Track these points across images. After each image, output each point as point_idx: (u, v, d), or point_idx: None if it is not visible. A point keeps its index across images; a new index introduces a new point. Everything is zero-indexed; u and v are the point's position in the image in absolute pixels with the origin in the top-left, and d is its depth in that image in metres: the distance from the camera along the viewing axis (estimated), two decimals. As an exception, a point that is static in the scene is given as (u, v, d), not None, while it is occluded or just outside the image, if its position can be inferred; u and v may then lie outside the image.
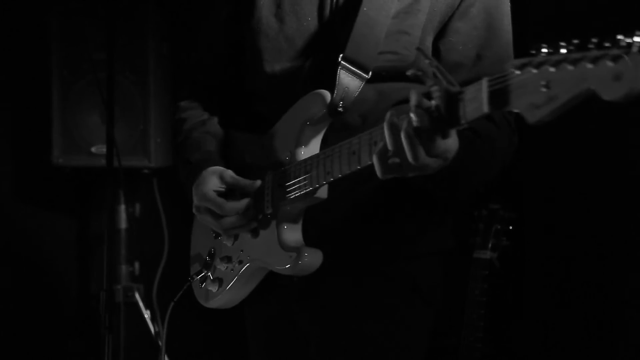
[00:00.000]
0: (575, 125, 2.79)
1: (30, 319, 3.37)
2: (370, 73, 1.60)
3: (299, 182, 1.58)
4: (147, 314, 3.17)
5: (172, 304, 1.83)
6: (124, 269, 3.23)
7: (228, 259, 1.72)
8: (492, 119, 1.58)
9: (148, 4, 3.12)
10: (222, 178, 1.67)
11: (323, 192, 1.58)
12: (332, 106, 1.59)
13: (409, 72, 1.36)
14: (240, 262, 1.70)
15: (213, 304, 1.77)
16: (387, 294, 1.67)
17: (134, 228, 3.30)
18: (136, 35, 3.09)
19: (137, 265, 3.28)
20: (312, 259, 1.58)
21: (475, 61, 1.63)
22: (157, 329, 3.20)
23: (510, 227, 2.66)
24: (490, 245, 2.64)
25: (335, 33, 1.65)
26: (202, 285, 1.77)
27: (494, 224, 2.65)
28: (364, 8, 1.61)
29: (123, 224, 3.21)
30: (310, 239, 1.63)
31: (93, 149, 3.09)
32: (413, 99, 1.30)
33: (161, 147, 3.13)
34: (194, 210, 1.70)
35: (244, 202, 1.64)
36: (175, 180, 1.84)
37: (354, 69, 1.60)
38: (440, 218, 1.74)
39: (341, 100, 1.60)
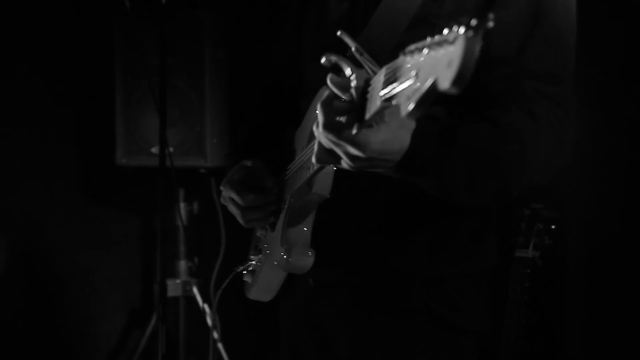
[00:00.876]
0: (620, 121, 2.77)
1: (97, 309, 3.53)
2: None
3: (295, 177, 1.57)
4: (204, 308, 3.29)
5: (219, 291, 1.87)
6: (183, 264, 3.36)
7: (259, 252, 1.73)
8: (528, 109, 1.41)
9: (205, 13, 3.25)
10: (248, 170, 1.66)
11: (322, 190, 1.52)
12: None
13: (323, 60, 1.26)
14: (264, 255, 1.71)
15: (250, 295, 1.78)
16: (405, 327, 1.56)
17: (193, 225, 3.43)
18: (193, 42, 3.21)
19: (195, 260, 3.41)
20: (301, 259, 1.54)
21: (518, 53, 1.44)
22: (214, 322, 3.32)
23: (553, 227, 2.65)
24: (532, 244, 2.64)
25: (359, 23, 1.56)
26: (244, 276, 1.80)
27: (536, 223, 2.65)
28: None
29: (182, 221, 3.33)
30: (323, 244, 1.56)
31: (153, 150, 3.21)
32: (328, 80, 1.20)
33: (217, 148, 3.25)
34: (221, 201, 1.69)
35: (260, 195, 1.62)
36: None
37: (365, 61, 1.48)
38: (476, 233, 1.58)
39: None
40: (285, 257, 1.54)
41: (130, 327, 3.56)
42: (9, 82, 3.38)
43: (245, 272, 1.78)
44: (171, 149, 3.12)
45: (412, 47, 1.04)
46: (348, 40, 1.23)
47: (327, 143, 1.23)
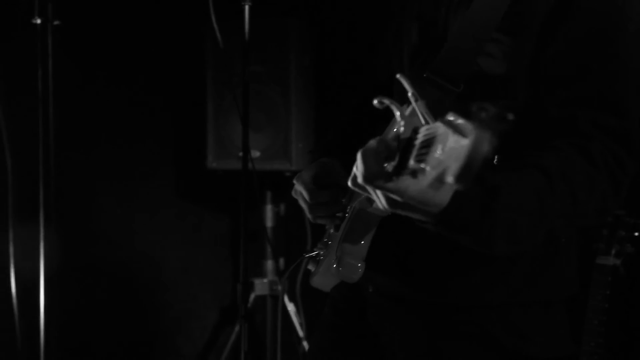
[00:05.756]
0: None
1: (189, 307, 3.68)
2: (462, 87, 1.39)
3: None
4: (290, 306, 3.37)
5: (287, 272, 1.90)
6: (270, 264, 3.44)
7: (325, 245, 1.74)
8: (584, 147, 1.30)
9: (290, 20, 3.33)
10: (323, 167, 1.64)
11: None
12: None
13: (375, 102, 1.22)
14: (327, 250, 1.69)
15: (312, 282, 1.77)
16: (465, 351, 1.49)
17: (279, 226, 3.51)
18: (279, 49, 3.30)
19: (282, 260, 3.50)
20: (350, 270, 1.53)
21: (579, 75, 1.34)
22: (299, 320, 3.42)
23: (636, 234, 2.59)
24: (614, 251, 2.60)
25: (435, 40, 1.49)
26: (308, 264, 1.80)
27: (618, 230, 2.60)
28: (471, 10, 1.40)
29: (269, 222, 3.44)
30: (385, 255, 1.55)
31: (241, 154, 3.36)
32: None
33: (302, 152, 3.33)
34: (292, 194, 1.68)
35: (327, 192, 1.60)
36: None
37: (441, 82, 1.40)
38: (542, 260, 1.48)
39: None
40: (335, 265, 1.54)
41: (221, 324, 3.69)
42: (110, 91, 3.59)
43: (312, 260, 1.76)
44: (258, 153, 3.28)
45: (450, 117, 0.99)
46: (406, 84, 1.19)
47: (367, 188, 1.21)
